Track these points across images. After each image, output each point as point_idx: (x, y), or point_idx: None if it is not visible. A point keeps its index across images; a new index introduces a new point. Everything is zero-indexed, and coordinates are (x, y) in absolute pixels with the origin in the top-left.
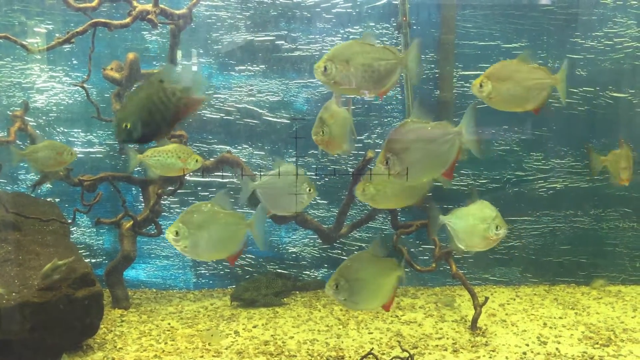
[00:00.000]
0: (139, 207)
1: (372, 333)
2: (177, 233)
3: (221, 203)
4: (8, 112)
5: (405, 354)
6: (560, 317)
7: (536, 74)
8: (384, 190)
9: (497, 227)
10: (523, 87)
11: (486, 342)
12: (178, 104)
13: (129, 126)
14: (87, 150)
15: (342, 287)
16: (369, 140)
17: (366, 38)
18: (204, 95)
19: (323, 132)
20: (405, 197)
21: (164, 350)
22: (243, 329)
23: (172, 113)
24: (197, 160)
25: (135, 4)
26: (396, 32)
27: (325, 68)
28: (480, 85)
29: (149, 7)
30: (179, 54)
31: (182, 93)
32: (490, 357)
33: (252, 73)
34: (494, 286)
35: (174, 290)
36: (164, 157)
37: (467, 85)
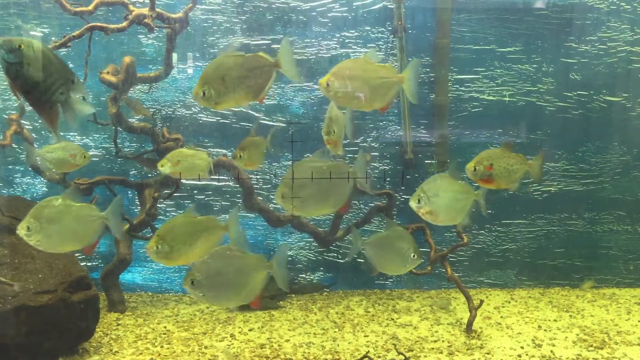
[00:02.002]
0: (135, 210)
1: (367, 336)
2: (28, 228)
3: (71, 197)
4: (4, 115)
5: (401, 357)
6: (554, 320)
7: (382, 72)
8: (304, 197)
9: (413, 255)
10: (370, 86)
11: (481, 344)
12: None
13: None
14: None
15: (199, 282)
16: (365, 144)
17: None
18: None
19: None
20: (328, 205)
21: (160, 354)
22: (239, 332)
23: None
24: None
25: (131, 8)
26: (392, 36)
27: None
28: (327, 84)
29: (145, 11)
30: (175, 57)
31: None
32: None
33: None
34: (489, 289)
35: (170, 294)
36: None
37: (463, 89)
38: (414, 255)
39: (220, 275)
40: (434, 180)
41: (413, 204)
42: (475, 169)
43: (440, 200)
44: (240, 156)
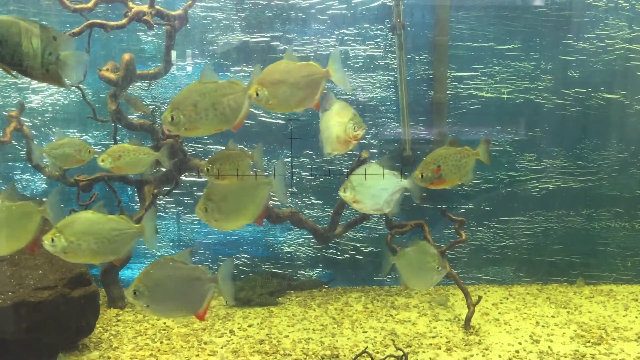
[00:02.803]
0: (135, 207)
1: (366, 332)
2: None
3: (8, 196)
4: (4, 112)
5: (400, 353)
6: (552, 316)
7: (306, 70)
8: (225, 208)
9: (438, 268)
10: (298, 86)
11: (479, 340)
12: None
13: None
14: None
15: (142, 293)
16: (364, 141)
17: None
18: None
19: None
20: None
21: (159, 349)
22: (238, 328)
23: None
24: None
25: (131, 5)
26: (390, 33)
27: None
28: (257, 94)
29: (145, 8)
30: (174, 55)
31: None
32: (483, 356)
33: (248, 74)
34: (487, 285)
35: None
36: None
37: (461, 86)
38: (439, 268)
39: (164, 286)
40: (361, 169)
41: (341, 192)
42: (422, 175)
43: (366, 189)
44: (208, 169)
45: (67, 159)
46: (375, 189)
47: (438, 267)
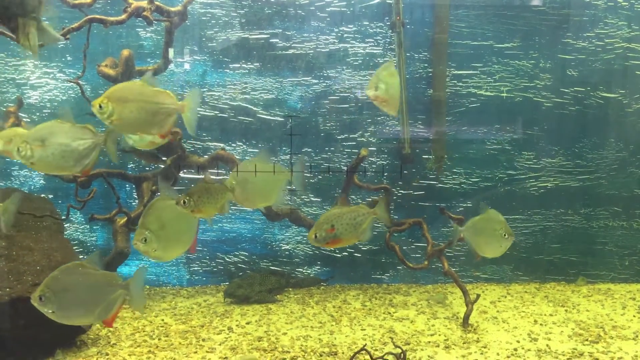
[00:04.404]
0: (133, 203)
1: (364, 329)
2: None
3: None
4: (2, 108)
5: (398, 350)
6: (550, 314)
7: (160, 98)
8: (164, 236)
9: (505, 235)
10: (147, 112)
11: (478, 338)
12: None
13: None
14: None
15: (48, 298)
16: (363, 139)
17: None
18: None
19: (377, 89)
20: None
21: (157, 346)
22: (236, 325)
23: None
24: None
25: (130, 0)
26: (390, 31)
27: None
28: (100, 107)
29: (144, 4)
30: (171, 52)
31: None
32: (481, 354)
33: (247, 71)
34: (486, 284)
35: (168, 287)
36: None
37: (460, 84)
38: (505, 235)
39: (71, 292)
40: (244, 165)
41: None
42: (316, 236)
43: (251, 185)
44: (185, 202)
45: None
46: (261, 183)
47: (505, 234)
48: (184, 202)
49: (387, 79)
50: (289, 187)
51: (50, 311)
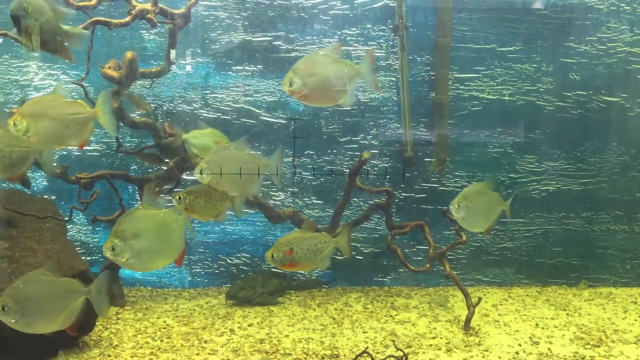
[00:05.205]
0: (136, 205)
1: (366, 332)
2: None
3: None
4: (5, 109)
5: (400, 353)
6: (552, 318)
7: (73, 108)
8: (138, 247)
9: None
10: (61, 123)
11: (479, 341)
12: None
13: None
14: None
15: (11, 308)
16: (365, 141)
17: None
18: None
19: (291, 84)
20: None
21: (159, 348)
22: (238, 328)
23: None
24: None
25: (134, 3)
26: (392, 34)
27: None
28: (14, 124)
29: (148, 6)
30: (173, 54)
31: None
32: (483, 357)
33: (250, 73)
34: (487, 287)
35: (170, 289)
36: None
37: (463, 87)
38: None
39: (33, 300)
40: (220, 151)
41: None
42: (273, 256)
43: (224, 170)
44: (180, 198)
45: (206, 149)
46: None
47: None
48: (179, 198)
49: (302, 73)
50: (266, 178)
51: (13, 320)
